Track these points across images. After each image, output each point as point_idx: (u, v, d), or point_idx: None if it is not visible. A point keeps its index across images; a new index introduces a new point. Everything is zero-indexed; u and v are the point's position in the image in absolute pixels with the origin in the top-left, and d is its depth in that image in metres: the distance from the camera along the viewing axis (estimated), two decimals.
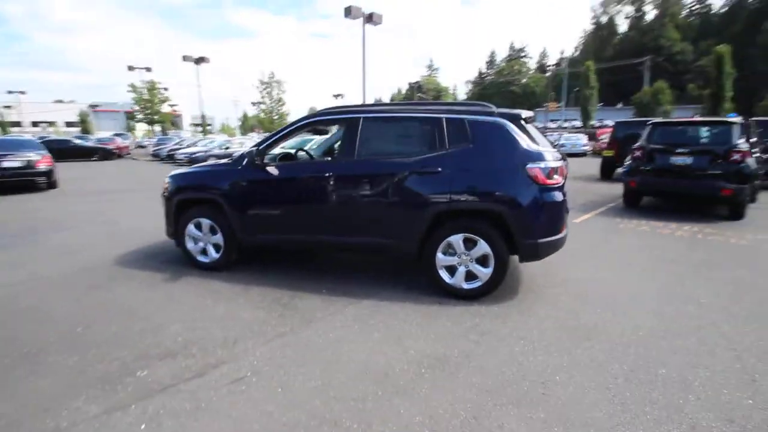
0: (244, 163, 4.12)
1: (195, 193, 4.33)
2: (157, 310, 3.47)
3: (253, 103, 47.79)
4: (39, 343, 2.94)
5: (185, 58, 29.34)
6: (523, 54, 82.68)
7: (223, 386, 2.43)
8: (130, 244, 5.55)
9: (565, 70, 54.51)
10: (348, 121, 3.86)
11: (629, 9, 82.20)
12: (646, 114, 36.69)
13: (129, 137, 38.21)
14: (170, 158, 21.95)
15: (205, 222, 4.31)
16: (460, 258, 3.57)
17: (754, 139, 7.67)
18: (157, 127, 41.76)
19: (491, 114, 3.54)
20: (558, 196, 3.37)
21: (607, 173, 12.70)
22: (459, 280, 3.58)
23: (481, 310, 3.43)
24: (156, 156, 25.05)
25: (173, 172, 4.68)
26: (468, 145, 3.49)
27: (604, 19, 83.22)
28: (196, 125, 64.30)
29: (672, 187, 7.07)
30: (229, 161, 4.38)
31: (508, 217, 3.34)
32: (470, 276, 3.58)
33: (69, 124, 65.28)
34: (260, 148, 4.00)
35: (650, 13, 79.83)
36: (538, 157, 3.37)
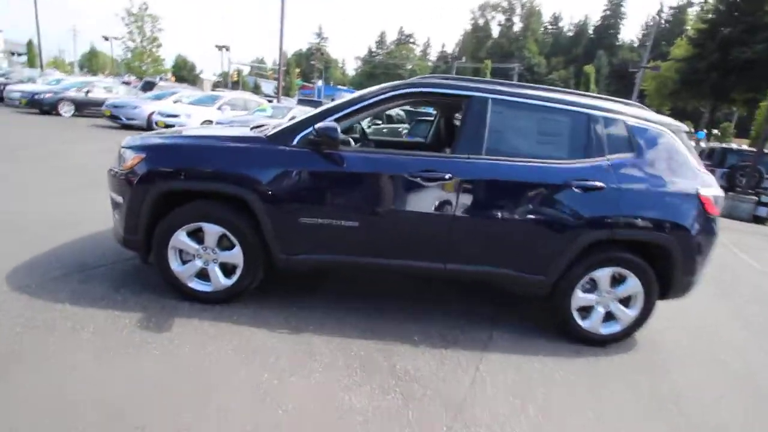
0: (297, 142, 2.62)
1: (203, 183, 2.61)
2: (200, 398, 1.90)
3: (107, 38, 38.86)
4: None
5: None
6: (411, 40, 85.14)
7: None
8: (16, 250, 3.33)
9: (462, 63, 57.57)
10: (471, 100, 2.70)
11: (501, 17, 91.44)
12: None
13: None
14: None
15: (212, 229, 2.65)
16: (601, 296, 2.84)
17: None
18: None
19: (653, 120, 2.84)
20: (717, 228, 2.88)
21: None
22: (596, 323, 2.86)
23: (620, 360, 2.79)
24: None
25: (142, 139, 2.80)
26: (630, 156, 2.74)
27: (481, 22, 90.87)
28: (14, 54, 49.16)
29: None
30: (258, 134, 2.76)
31: (676, 250, 2.72)
32: (607, 318, 2.90)
33: None
34: (330, 123, 2.55)
35: (517, 24, 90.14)
36: (709, 182, 2.82)
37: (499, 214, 2.67)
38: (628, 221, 2.67)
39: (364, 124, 8.76)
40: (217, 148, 2.66)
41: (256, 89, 51.65)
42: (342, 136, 3.35)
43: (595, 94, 2.95)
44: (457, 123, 3.39)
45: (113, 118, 12.98)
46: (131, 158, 2.68)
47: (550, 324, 3.04)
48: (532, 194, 2.65)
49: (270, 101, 18.18)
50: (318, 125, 2.51)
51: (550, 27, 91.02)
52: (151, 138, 2.82)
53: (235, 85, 44.26)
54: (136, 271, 3.15)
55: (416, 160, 2.66)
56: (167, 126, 11.79)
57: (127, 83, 25.22)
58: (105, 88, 16.01)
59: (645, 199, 2.70)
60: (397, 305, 3.15)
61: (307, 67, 65.23)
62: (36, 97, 14.13)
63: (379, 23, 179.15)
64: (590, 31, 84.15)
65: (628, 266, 2.77)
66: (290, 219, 2.63)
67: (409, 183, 2.61)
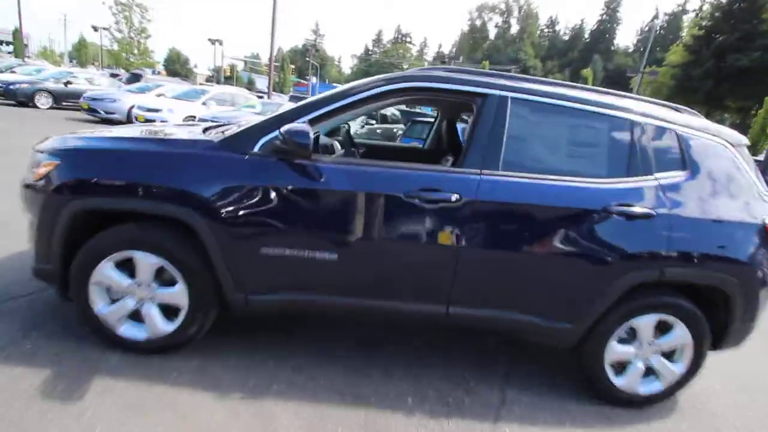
0: (259, 149, 2.01)
1: (133, 200, 1.99)
2: None
3: (96, 28, 37.74)
4: None
5: None
6: (408, 40, 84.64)
7: None
8: None
9: (459, 64, 57.30)
10: (487, 99, 2.11)
11: (499, 19, 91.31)
12: None
13: None
14: None
15: (147, 260, 2.04)
16: (641, 348, 2.27)
17: None
18: None
19: (710, 131, 2.28)
20: None
21: None
22: (633, 381, 2.30)
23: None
24: None
25: (59, 141, 2.18)
26: (683, 175, 2.17)
27: (478, 23, 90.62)
28: (2, 43, 47.71)
29: None
30: (209, 138, 2.15)
31: (737, 294, 2.16)
32: (646, 374, 2.33)
33: None
34: (300, 126, 1.94)
35: (514, 26, 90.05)
36: None
37: (518, 247, 2.08)
38: (681, 259, 2.10)
39: (355, 124, 8.10)
40: (152, 155, 2.03)
41: (250, 85, 50.67)
42: (324, 140, 2.78)
43: (637, 96, 2.38)
44: (462, 126, 2.81)
45: (91, 111, 12.24)
46: (43, 164, 2.06)
47: (575, 377, 2.47)
48: (561, 222, 2.07)
49: (261, 97, 17.50)
50: (285, 128, 1.90)
51: (546, 30, 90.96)
52: (72, 139, 2.19)
53: (228, 80, 43.31)
54: (59, 306, 2.52)
55: (414, 176, 2.06)
56: (147, 121, 11.11)
57: (115, 75, 24.31)
58: (86, 80, 15.23)
59: (702, 231, 2.13)
60: (388, 352, 2.56)
61: (303, 64, 64.34)
62: (11, 87, 13.30)
63: (377, 22, 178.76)
64: (586, 36, 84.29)
65: (677, 313, 2.20)
66: (248, 249, 2.02)
67: (404, 205, 2.02)
